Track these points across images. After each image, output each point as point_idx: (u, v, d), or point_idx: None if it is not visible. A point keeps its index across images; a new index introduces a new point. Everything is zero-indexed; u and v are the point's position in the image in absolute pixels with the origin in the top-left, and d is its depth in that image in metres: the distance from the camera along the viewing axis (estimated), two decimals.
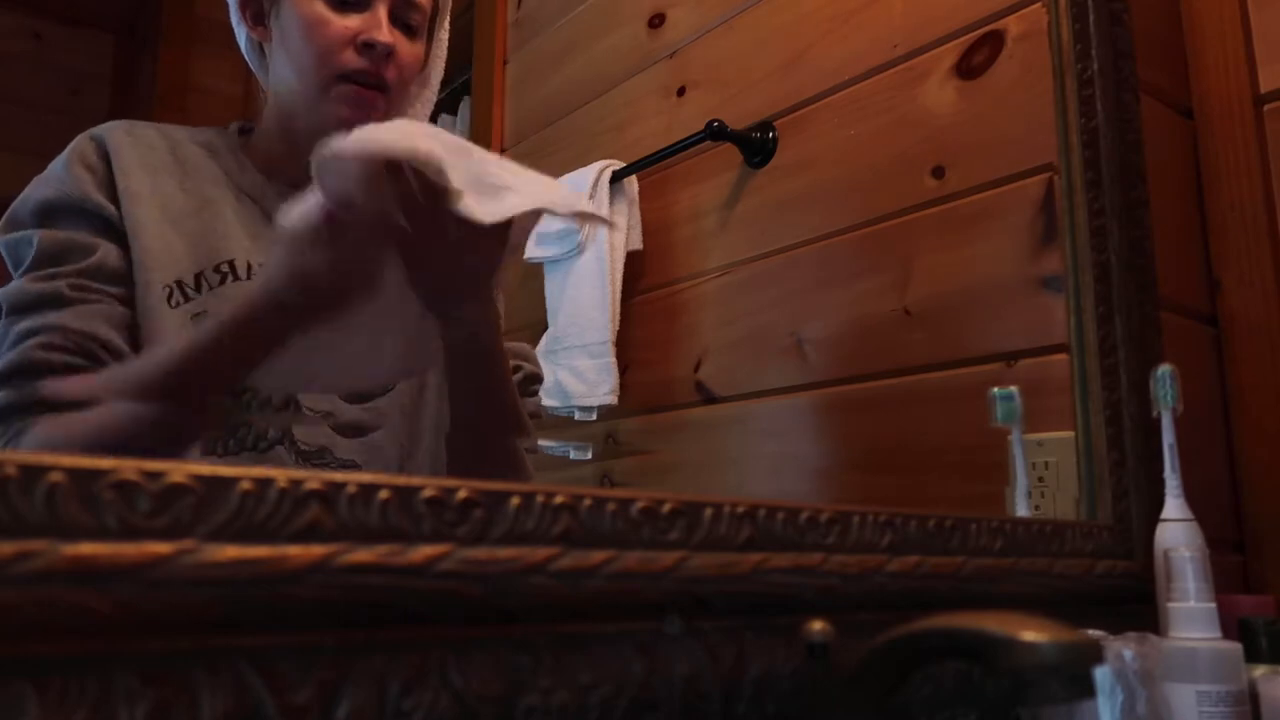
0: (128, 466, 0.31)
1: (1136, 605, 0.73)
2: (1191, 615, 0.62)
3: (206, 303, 0.69)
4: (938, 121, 0.93)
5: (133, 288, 0.68)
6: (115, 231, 0.69)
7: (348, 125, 0.70)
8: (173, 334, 0.67)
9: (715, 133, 1.11)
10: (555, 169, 1.30)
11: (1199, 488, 0.75)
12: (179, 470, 0.32)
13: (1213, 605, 0.63)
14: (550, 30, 1.47)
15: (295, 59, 0.75)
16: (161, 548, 0.31)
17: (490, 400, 0.68)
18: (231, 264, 0.72)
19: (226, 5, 0.80)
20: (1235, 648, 0.62)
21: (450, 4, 0.83)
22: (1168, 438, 0.73)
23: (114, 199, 0.69)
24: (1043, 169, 0.85)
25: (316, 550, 0.34)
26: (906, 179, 0.94)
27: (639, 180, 1.24)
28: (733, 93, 1.15)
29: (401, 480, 0.38)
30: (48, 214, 0.68)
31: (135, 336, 0.68)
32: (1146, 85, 0.91)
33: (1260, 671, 0.65)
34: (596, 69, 1.37)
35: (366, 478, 0.37)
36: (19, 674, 0.29)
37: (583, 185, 1.23)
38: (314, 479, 0.35)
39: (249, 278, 0.72)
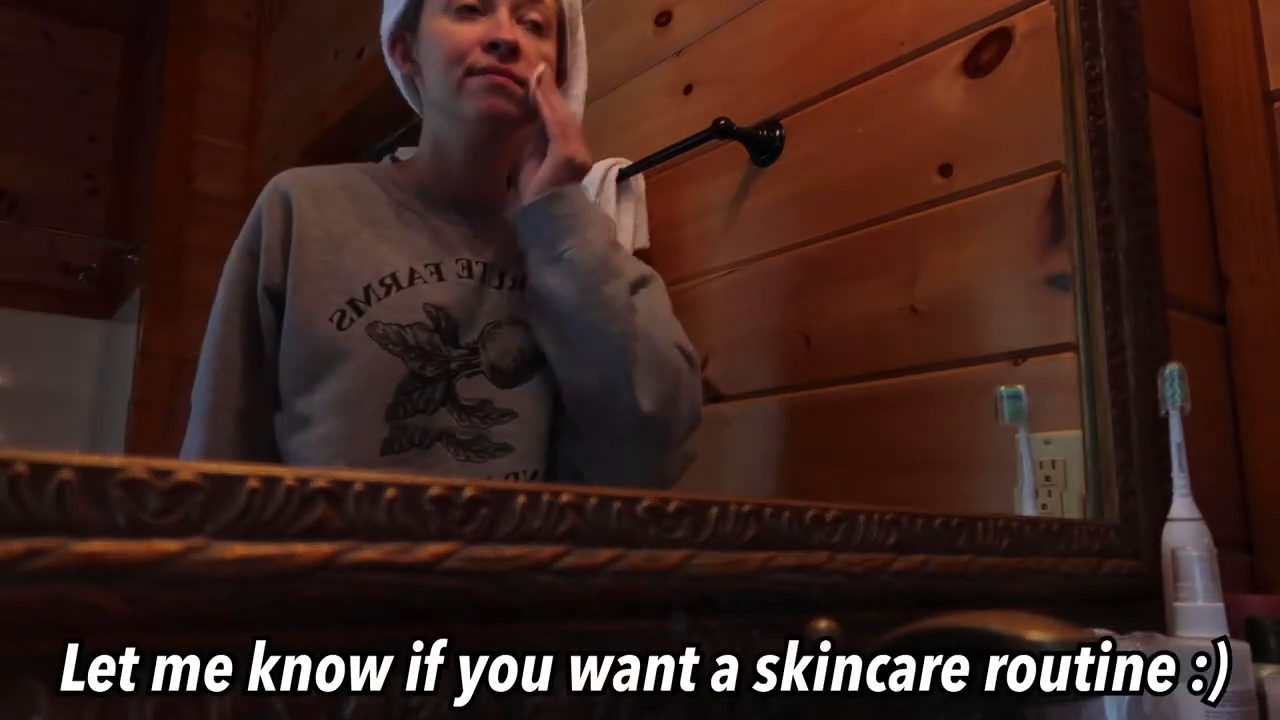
0: (136, 464, 0.31)
1: (1143, 604, 0.73)
2: (1199, 614, 0.62)
3: (376, 313, 0.76)
4: (945, 119, 0.93)
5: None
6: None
7: (486, 114, 0.80)
8: (354, 352, 0.74)
9: (722, 131, 1.11)
10: None
11: (1207, 487, 0.74)
12: (187, 468, 0.32)
13: (1220, 605, 0.63)
14: None
15: (432, 73, 0.81)
16: (170, 545, 0.31)
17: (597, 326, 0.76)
18: (394, 275, 0.78)
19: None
20: (1242, 647, 0.62)
21: (580, 14, 0.88)
22: (1175, 437, 0.73)
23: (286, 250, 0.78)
24: (1050, 167, 0.84)
25: (324, 548, 0.35)
26: (913, 177, 0.94)
27: (645, 178, 1.24)
28: (739, 90, 1.15)
29: (408, 479, 0.38)
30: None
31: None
32: (1155, 83, 0.91)
33: (1267, 671, 0.64)
34: (603, 67, 1.36)
35: (373, 476, 0.37)
36: (30, 671, 0.29)
37: (590, 183, 1.23)
38: (321, 477, 0.36)
39: (410, 284, 0.78)
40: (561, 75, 0.86)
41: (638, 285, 0.82)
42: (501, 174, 0.88)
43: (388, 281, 0.78)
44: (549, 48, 0.83)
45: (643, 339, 0.77)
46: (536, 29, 0.82)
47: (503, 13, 0.79)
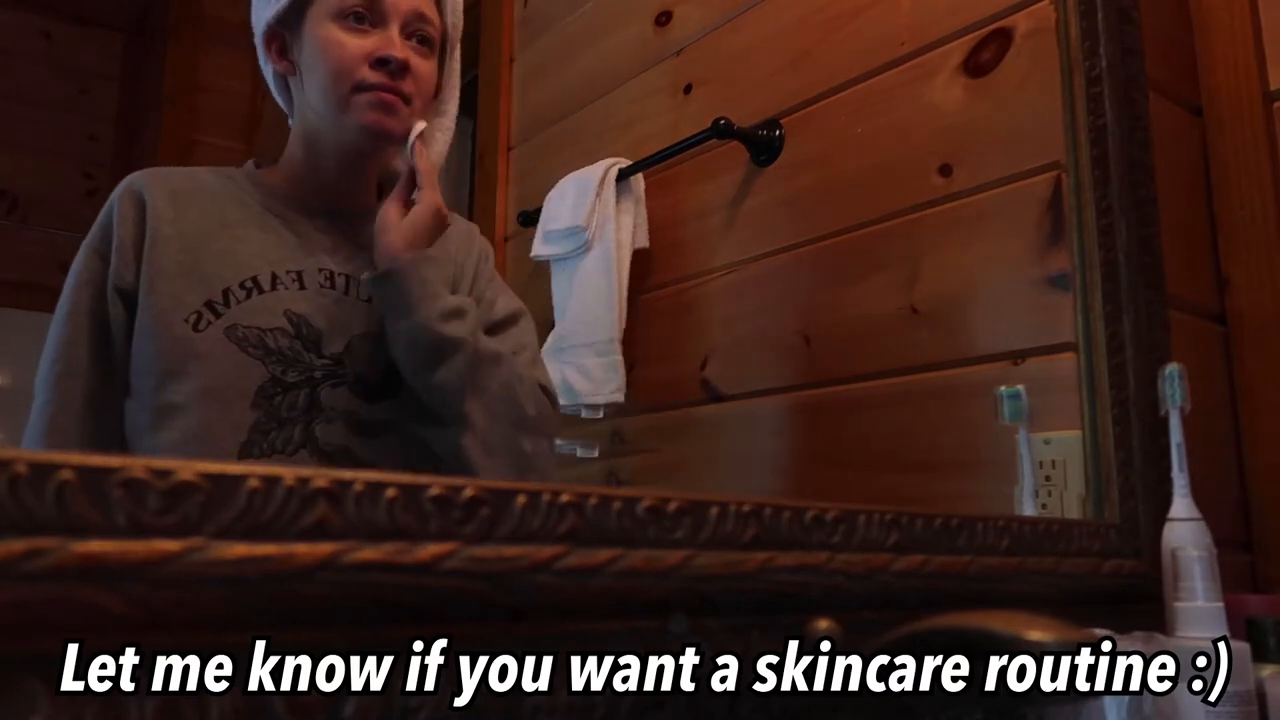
0: (136, 464, 0.31)
1: (1143, 604, 0.73)
2: (1199, 614, 0.62)
3: (235, 315, 0.75)
4: (945, 119, 0.93)
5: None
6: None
7: (371, 131, 0.79)
8: (211, 354, 0.74)
9: (722, 130, 1.11)
10: (562, 167, 1.31)
11: (1207, 487, 0.74)
12: (187, 468, 0.32)
13: (1220, 605, 0.63)
14: (557, 28, 1.47)
15: (316, 80, 0.80)
16: (170, 545, 0.31)
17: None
18: (255, 279, 0.77)
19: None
20: (1242, 647, 0.62)
21: (460, 35, 0.87)
22: (1175, 437, 0.73)
23: (138, 250, 0.76)
24: (1050, 167, 0.84)
25: (324, 548, 0.35)
26: (913, 177, 0.94)
27: (645, 178, 1.24)
28: (739, 90, 1.15)
29: (408, 478, 0.38)
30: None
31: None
32: (1155, 83, 0.91)
33: (1267, 671, 0.64)
34: (603, 67, 1.37)
35: (374, 476, 0.37)
36: (30, 671, 0.29)
37: (589, 183, 1.23)
38: (321, 477, 0.36)
39: (271, 289, 0.77)
40: (436, 91, 0.85)
41: (506, 323, 0.85)
42: (373, 181, 0.88)
43: (248, 285, 0.77)
44: (434, 65, 0.83)
45: (488, 401, 0.77)
46: (426, 44, 0.81)
47: (394, 29, 0.78)
